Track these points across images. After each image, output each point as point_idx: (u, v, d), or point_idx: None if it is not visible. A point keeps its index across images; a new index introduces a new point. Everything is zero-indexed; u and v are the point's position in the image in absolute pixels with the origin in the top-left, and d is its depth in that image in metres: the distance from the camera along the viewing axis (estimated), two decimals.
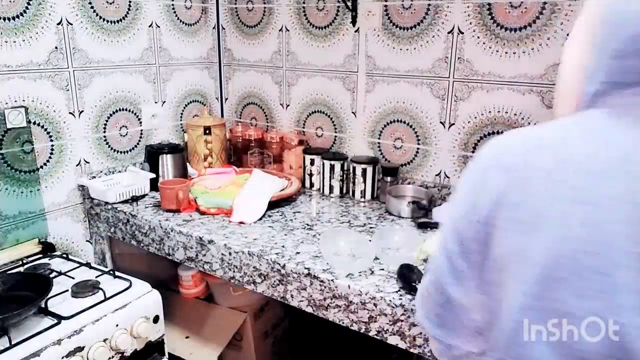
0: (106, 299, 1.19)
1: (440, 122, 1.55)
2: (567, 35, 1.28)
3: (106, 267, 1.55)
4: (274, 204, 1.52)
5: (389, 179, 1.61)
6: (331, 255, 1.16)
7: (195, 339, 1.63)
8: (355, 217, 1.48)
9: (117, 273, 1.32)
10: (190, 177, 1.72)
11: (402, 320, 1.00)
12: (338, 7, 1.67)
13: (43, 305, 1.12)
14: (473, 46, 1.44)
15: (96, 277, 1.29)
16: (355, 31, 1.65)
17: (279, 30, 1.84)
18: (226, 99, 2.11)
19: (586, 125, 0.58)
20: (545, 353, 0.54)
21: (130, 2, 1.68)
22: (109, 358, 1.13)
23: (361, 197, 1.64)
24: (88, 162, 1.64)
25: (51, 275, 1.25)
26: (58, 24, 1.48)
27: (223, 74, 2.08)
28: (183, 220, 1.42)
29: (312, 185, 1.75)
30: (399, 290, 1.03)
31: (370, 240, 1.23)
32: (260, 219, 1.44)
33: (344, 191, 1.69)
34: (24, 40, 1.41)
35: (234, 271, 1.27)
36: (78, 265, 1.36)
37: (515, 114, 1.41)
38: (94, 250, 1.68)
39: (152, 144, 1.80)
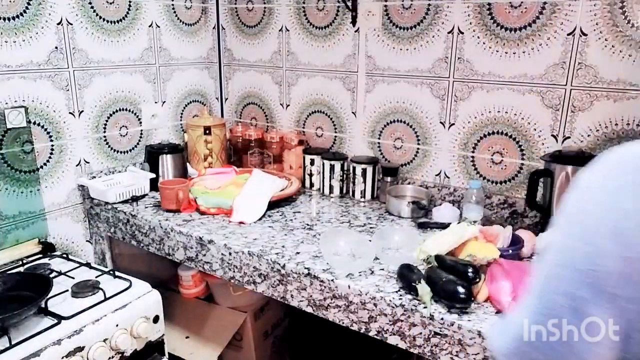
0: (106, 299, 1.19)
1: (440, 122, 1.55)
2: (567, 35, 1.28)
3: (106, 267, 1.55)
4: (274, 204, 1.52)
5: (389, 179, 1.61)
6: (331, 255, 1.16)
7: (195, 339, 1.63)
8: (355, 217, 1.48)
9: (117, 273, 1.32)
10: (190, 177, 1.72)
11: (402, 320, 1.00)
12: (338, 7, 1.67)
13: (43, 305, 1.12)
14: (473, 46, 1.43)
15: (96, 277, 1.29)
16: (355, 31, 1.65)
17: (279, 30, 1.84)
18: (226, 99, 2.10)
19: None
20: None
21: (130, 2, 1.68)
22: (109, 358, 1.13)
23: (361, 197, 1.64)
24: (88, 162, 1.64)
25: (51, 275, 1.25)
26: (58, 24, 1.48)
27: (223, 74, 2.07)
28: (183, 220, 1.42)
29: (312, 185, 1.75)
30: (399, 290, 1.04)
31: (370, 240, 1.23)
32: (260, 219, 1.44)
33: (344, 191, 1.69)
34: (24, 40, 1.41)
35: (234, 271, 1.27)
36: (78, 265, 1.37)
37: (515, 114, 1.41)
38: (94, 250, 1.68)
39: (152, 144, 1.80)
